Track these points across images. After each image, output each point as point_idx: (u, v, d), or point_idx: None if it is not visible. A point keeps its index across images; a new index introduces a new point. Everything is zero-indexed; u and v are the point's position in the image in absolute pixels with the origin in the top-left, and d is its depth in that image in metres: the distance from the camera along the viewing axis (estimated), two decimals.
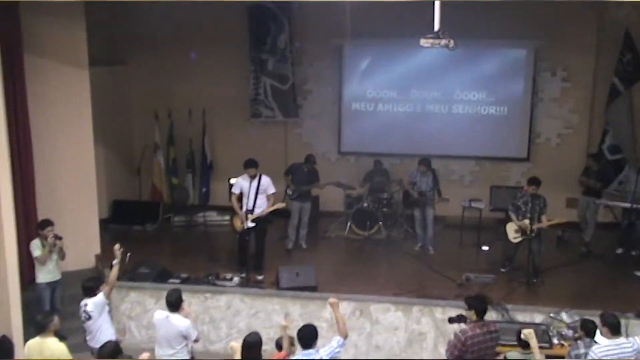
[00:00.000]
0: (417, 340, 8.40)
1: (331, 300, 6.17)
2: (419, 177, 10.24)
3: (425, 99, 11.85)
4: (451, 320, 6.68)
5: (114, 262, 7.08)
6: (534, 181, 8.99)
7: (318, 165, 10.68)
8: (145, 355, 5.71)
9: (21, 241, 8.24)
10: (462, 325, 6.34)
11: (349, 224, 11.08)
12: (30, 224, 8.62)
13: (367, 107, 12.07)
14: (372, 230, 10.95)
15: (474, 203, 10.84)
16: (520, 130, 11.74)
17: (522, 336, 5.77)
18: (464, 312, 6.36)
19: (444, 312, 8.26)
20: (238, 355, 5.37)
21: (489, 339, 6.13)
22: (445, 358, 6.23)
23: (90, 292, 6.88)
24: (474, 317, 6.14)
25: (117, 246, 7.16)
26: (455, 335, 6.13)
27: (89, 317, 6.81)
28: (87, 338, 6.88)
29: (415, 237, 10.64)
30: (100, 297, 6.85)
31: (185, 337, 6.49)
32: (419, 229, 10.49)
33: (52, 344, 6.04)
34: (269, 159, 10.38)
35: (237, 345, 5.49)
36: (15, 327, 8.03)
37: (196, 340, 6.66)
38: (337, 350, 5.77)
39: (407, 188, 10.71)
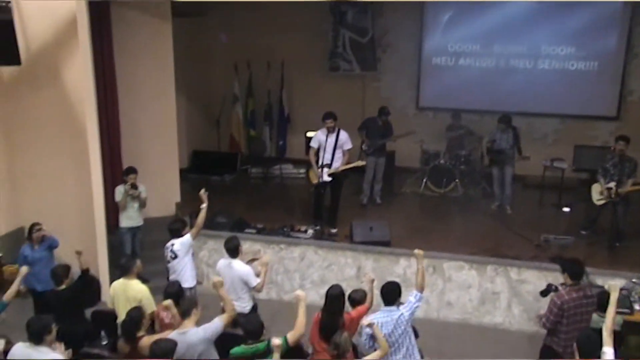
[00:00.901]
0: (491, 300, 8.31)
1: (417, 251, 6.06)
2: (498, 135, 9.96)
3: (510, 53, 11.42)
4: (543, 293, 6.54)
5: (202, 205, 7.29)
6: (623, 137, 8.56)
7: (395, 120, 10.55)
8: (217, 278, 5.95)
9: (107, 188, 8.63)
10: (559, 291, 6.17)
11: (425, 180, 10.96)
12: (116, 172, 8.98)
13: (448, 62, 11.77)
14: (449, 188, 10.80)
15: (557, 163, 10.46)
16: (611, 87, 11.16)
17: (606, 286, 5.53)
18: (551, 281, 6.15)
19: (519, 272, 8.11)
20: (304, 303, 5.48)
21: (586, 304, 5.89)
22: (543, 323, 6.04)
23: (176, 233, 7.17)
24: (569, 281, 5.94)
25: (202, 191, 7.38)
26: (551, 300, 5.95)
27: (175, 256, 7.11)
28: (171, 277, 7.18)
29: (493, 196, 10.42)
30: (187, 237, 7.13)
31: (246, 283, 6.67)
32: (497, 188, 10.26)
33: (135, 285, 6.35)
34: (346, 114, 10.29)
35: (302, 293, 5.60)
36: (102, 268, 8.51)
37: (256, 289, 6.76)
38: (416, 305, 5.73)
39: (482, 149, 10.45)
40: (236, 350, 5.24)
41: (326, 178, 9.05)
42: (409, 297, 5.78)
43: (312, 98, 11.97)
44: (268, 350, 5.13)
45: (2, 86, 8.81)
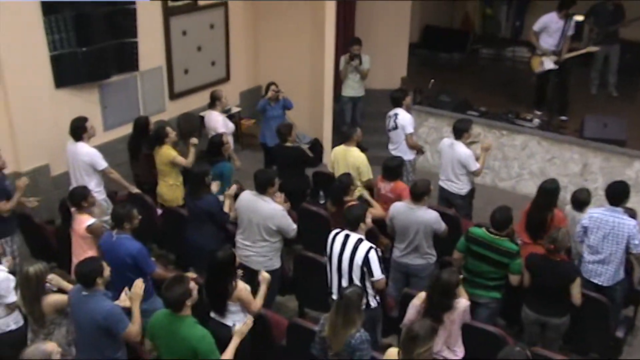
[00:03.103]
0: None
1: None
2: None
3: None
4: None
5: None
6: None
7: None
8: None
9: (338, 57, 8.87)
10: None
11: None
12: (348, 42, 9.15)
13: None
14: None
15: None
16: None
17: None
18: None
19: None
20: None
21: None
22: None
23: (398, 102, 7.31)
24: None
25: None
26: None
27: (395, 127, 7.28)
28: (391, 148, 7.41)
29: None
30: (410, 116, 7.26)
31: (465, 167, 6.58)
32: None
33: (354, 152, 6.62)
34: None
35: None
36: (326, 133, 9.00)
37: (475, 173, 6.66)
38: None
39: None
40: (476, 231, 5.10)
41: (551, 66, 8.41)
42: None
43: None
44: (513, 253, 4.95)
45: None
